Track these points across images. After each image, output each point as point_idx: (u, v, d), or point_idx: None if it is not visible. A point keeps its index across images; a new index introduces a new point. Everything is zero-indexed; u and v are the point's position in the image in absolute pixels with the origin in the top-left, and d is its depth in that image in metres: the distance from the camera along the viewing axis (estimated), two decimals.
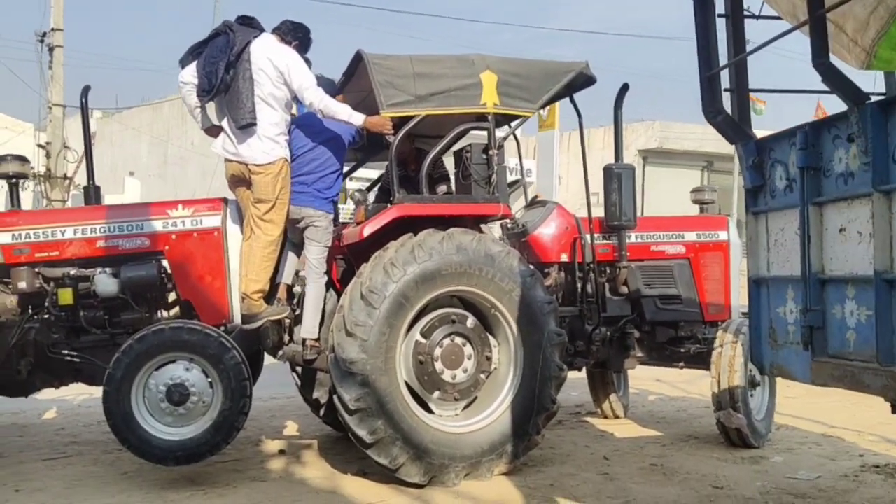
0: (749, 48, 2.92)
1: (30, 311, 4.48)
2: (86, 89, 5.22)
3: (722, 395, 4.77)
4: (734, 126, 2.89)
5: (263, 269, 4.41)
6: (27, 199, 18.13)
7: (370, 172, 6.85)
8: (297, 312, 4.63)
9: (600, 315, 5.13)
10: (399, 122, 4.49)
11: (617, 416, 5.97)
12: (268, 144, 4.33)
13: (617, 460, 4.70)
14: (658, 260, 5.42)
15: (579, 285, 5.16)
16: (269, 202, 4.34)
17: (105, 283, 4.45)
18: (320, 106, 4.29)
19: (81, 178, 12.42)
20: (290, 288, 4.73)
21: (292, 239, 4.72)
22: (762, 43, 2.59)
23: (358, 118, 4.34)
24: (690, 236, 5.53)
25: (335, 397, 4.11)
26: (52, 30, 19.13)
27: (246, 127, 4.26)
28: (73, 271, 4.47)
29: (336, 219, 5.40)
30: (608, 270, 5.31)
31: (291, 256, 4.75)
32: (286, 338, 4.66)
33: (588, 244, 5.14)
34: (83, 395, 6.69)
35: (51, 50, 19.30)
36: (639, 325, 5.30)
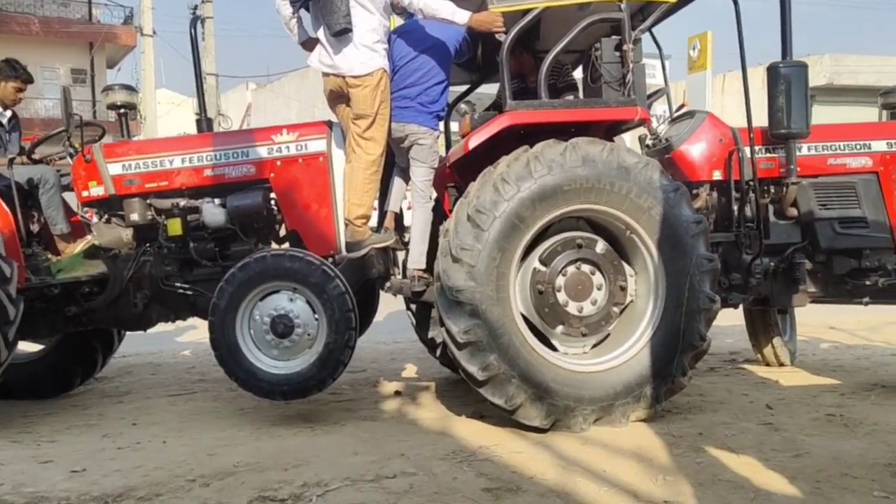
0: None
1: (144, 243, 4.41)
2: (195, 20, 5.08)
3: None
4: None
5: (366, 192, 4.03)
6: None
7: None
8: (406, 241, 4.23)
9: (762, 242, 4.28)
10: (513, 22, 3.89)
11: (781, 364, 5.10)
12: (365, 54, 3.90)
13: (783, 410, 3.93)
14: (837, 175, 4.45)
15: (736, 207, 4.33)
16: (368, 117, 3.93)
17: (212, 213, 4.29)
18: (420, 4, 3.80)
19: None
20: (397, 215, 4.34)
21: (399, 163, 4.31)
22: None
23: (462, 16, 3.81)
24: (879, 146, 4.49)
25: (443, 330, 3.66)
26: (203, 1, 20.05)
27: (341, 34, 3.86)
28: (182, 202, 4.34)
29: (448, 144, 4.94)
30: (772, 189, 4.43)
31: (399, 182, 4.36)
32: (395, 269, 4.28)
33: (747, 158, 4.30)
34: None
35: (202, 21, 20.24)
36: (811, 254, 4.40)
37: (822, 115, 21.43)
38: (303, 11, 4.07)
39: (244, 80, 33.21)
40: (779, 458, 3.12)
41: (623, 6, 3.87)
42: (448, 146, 5.12)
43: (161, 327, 4.76)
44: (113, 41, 26.30)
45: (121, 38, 26.30)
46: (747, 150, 4.29)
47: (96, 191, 4.35)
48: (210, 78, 20.11)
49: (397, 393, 4.66)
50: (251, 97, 33.36)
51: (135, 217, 4.32)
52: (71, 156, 4.49)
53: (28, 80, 4.84)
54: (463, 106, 4.68)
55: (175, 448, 3.59)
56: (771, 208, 4.42)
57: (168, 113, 25.93)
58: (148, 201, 4.34)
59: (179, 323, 4.82)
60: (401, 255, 4.51)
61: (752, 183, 4.29)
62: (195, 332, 7.19)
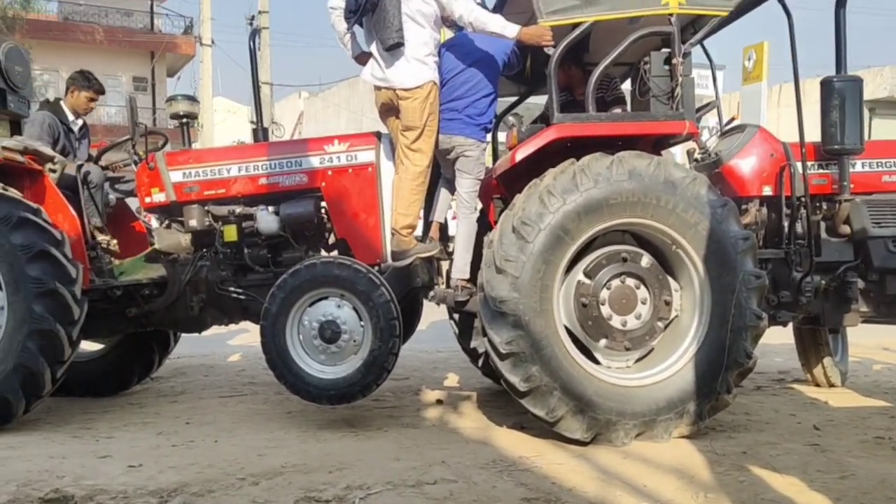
0: None
1: (201, 248, 4.58)
2: (254, 32, 5.26)
3: None
4: None
5: (413, 202, 4.12)
6: None
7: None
8: (451, 252, 4.30)
9: (813, 259, 4.21)
10: (562, 35, 3.93)
11: (832, 385, 4.99)
12: (416, 66, 4.00)
13: (831, 431, 3.85)
14: (891, 193, 4.36)
15: (786, 223, 4.27)
16: (417, 129, 4.02)
17: (266, 220, 4.43)
18: (470, 18, 3.87)
19: None
20: (443, 226, 4.41)
21: (445, 174, 4.39)
22: None
23: (512, 29, 3.86)
24: None
25: (485, 341, 3.71)
26: (259, 12, 20.58)
27: (393, 48, 3.96)
28: (237, 209, 4.49)
29: (495, 156, 4.99)
30: (825, 206, 4.37)
31: (445, 193, 4.43)
32: (439, 279, 4.35)
33: (799, 174, 4.24)
34: None
35: (258, 32, 20.76)
36: (863, 272, 4.31)
37: (882, 128, 20.79)
38: (357, 27, 4.19)
39: (297, 90, 33.88)
40: (823, 480, 3.07)
41: (673, 20, 3.87)
42: (495, 157, 5.18)
43: (214, 330, 4.93)
44: (173, 50, 27.22)
45: (181, 48, 27.21)
46: (799, 165, 4.23)
47: (158, 197, 4.54)
48: (265, 87, 20.58)
49: (439, 401, 4.72)
50: (303, 105, 34.00)
51: (193, 223, 4.49)
52: (135, 163, 4.69)
53: (100, 90, 5.10)
54: (510, 118, 4.73)
55: (226, 447, 3.72)
56: (823, 225, 4.35)
57: (224, 121, 26.64)
58: (206, 208, 4.50)
59: (231, 326, 4.97)
60: (444, 265, 4.57)
61: (803, 199, 4.23)
62: (246, 335, 7.39)
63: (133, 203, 5.26)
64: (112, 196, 4.97)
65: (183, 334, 5.43)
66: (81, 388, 5.03)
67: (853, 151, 4.23)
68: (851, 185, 4.27)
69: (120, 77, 25.54)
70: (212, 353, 6.91)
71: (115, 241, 4.77)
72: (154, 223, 5.14)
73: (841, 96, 4.17)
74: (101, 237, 4.66)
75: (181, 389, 5.37)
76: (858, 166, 4.35)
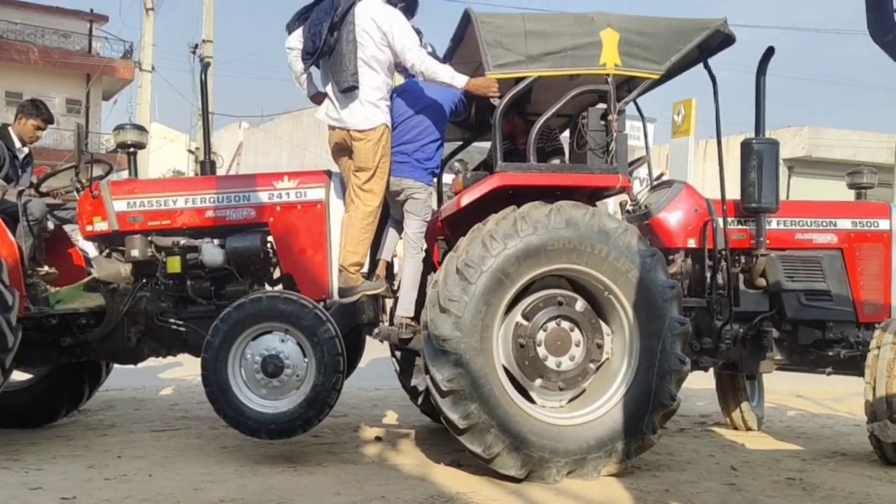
0: None
1: (142, 279, 4.55)
2: (205, 66, 5.33)
3: (877, 403, 4.06)
4: None
5: (361, 241, 4.24)
6: None
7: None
8: (396, 290, 4.42)
9: (732, 309, 4.51)
10: (507, 88, 4.17)
11: (749, 428, 5.29)
12: (369, 109, 4.16)
13: (746, 472, 4.10)
14: (804, 249, 4.73)
15: (708, 274, 4.58)
16: (369, 170, 4.17)
17: (211, 252, 4.45)
18: (421, 67, 4.07)
19: None
20: (389, 265, 4.54)
21: (394, 215, 4.53)
22: None
23: (461, 80, 4.07)
24: (844, 224, 4.79)
25: (427, 378, 3.82)
26: (203, 41, 20.45)
27: (348, 91, 4.11)
28: (182, 240, 4.50)
29: (440, 198, 5.16)
30: (743, 259, 4.70)
31: (392, 233, 4.56)
32: (383, 316, 4.46)
33: (720, 229, 4.56)
34: (199, 376, 6.92)
35: (201, 60, 20.62)
36: (778, 323, 4.64)
37: (800, 186, 22.03)
38: (313, 68, 4.32)
39: (237, 119, 33.61)
40: None
41: (610, 79, 4.15)
42: (440, 200, 5.36)
43: (145, 363, 4.85)
44: (111, 74, 26.69)
45: (119, 72, 26.71)
46: (721, 220, 4.55)
47: (100, 226, 4.51)
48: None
49: (378, 438, 4.78)
50: (243, 136, 33.70)
51: (135, 253, 4.46)
52: (77, 191, 4.65)
53: (49, 120, 5.07)
54: (456, 164, 4.93)
55: (161, 481, 3.68)
56: (741, 277, 4.67)
57: (161, 147, 26.15)
58: (149, 238, 4.49)
59: (161, 360, 4.92)
60: (389, 302, 4.68)
61: (724, 252, 4.52)
62: (179, 369, 7.28)
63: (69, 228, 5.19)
64: (50, 223, 4.90)
65: (114, 366, 5.33)
66: (7, 419, 4.88)
67: (769, 210, 4.57)
68: (767, 241, 4.61)
69: (53, 99, 24.79)
70: (142, 386, 6.76)
71: (52, 270, 4.69)
72: (92, 252, 5.07)
73: (759, 158, 4.52)
74: (38, 269, 4.58)
75: (111, 423, 5.25)
76: (774, 224, 4.69)
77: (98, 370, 5.24)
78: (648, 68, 4.16)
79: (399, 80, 4.67)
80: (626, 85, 4.51)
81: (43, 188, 4.88)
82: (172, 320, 4.51)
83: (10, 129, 4.99)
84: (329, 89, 4.27)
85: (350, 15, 4.09)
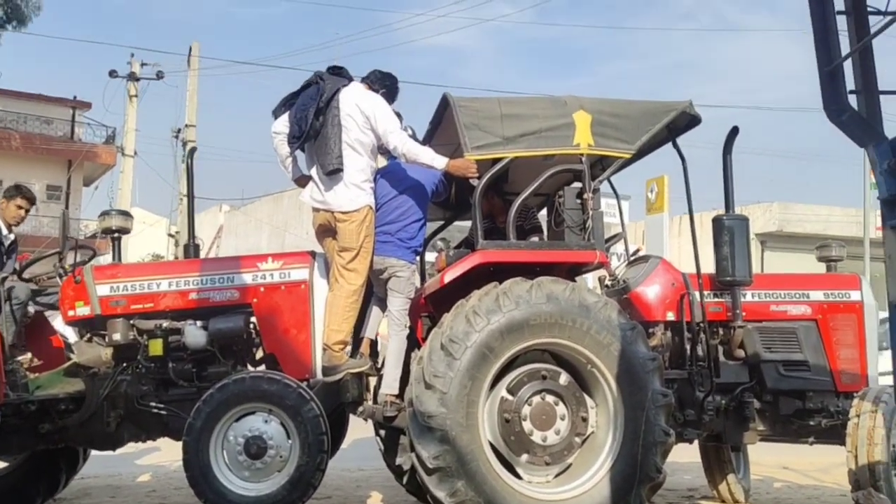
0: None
1: (122, 363, 4.53)
2: (191, 151, 5.47)
3: (860, 471, 4.08)
4: (863, 124, 2.50)
5: (346, 319, 4.28)
6: None
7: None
8: (380, 368, 4.44)
9: (713, 381, 4.56)
10: (485, 168, 4.33)
11: (737, 501, 5.26)
12: (353, 191, 4.28)
13: None
14: (779, 321, 4.82)
15: (688, 347, 4.65)
16: (353, 251, 4.25)
17: (194, 334, 4.46)
18: (403, 150, 4.22)
19: None
20: (373, 343, 4.57)
21: (377, 293, 4.59)
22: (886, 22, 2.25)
23: (441, 161, 4.22)
24: (817, 295, 4.92)
25: (413, 455, 3.80)
26: (186, 126, 20.86)
27: (333, 173, 4.24)
28: (165, 323, 4.51)
29: (423, 276, 5.23)
30: (721, 331, 4.77)
31: (376, 311, 4.61)
32: (367, 395, 4.45)
33: (697, 301, 4.66)
34: (179, 461, 6.79)
35: (184, 144, 21.00)
36: (759, 393, 4.69)
37: (773, 260, 22.48)
38: (298, 151, 4.46)
39: (218, 202, 33.83)
40: None
41: (584, 159, 4.33)
42: (423, 278, 5.44)
43: (121, 449, 4.76)
44: (93, 160, 26.97)
45: (101, 157, 27.00)
46: (697, 294, 4.66)
47: (82, 311, 4.51)
48: (185, 199, 20.52)
49: None
50: (224, 219, 33.85)
51: (117, 336, 4.45)
52: (61, 276, 4.67)
53: (31, 200, 5.15)
54: (439, 242, 5.04)
55: None
56: (720, 349, 4.73)
57: (141, 232, 26.18)
58: (131, 322, 4.50)
59: (138, 445, 4.84)
60: (373, 381, 4.68)
61: (702, 324, 4.61)
62: (156, 454, 7.10)
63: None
64: (31, 309, 4.90)
65: (91, 452, 5.22)
66: None
67: (742, 283, 4.68)
68: (743, 313, 4.71)
69: (34, 185, 24.84)
70: (118, 472, 6.57)
71: (31, 357, 4.66)
72: (72, 337, 5.05)
73: (730, 233, 4.67)
74: (18, 356, 4.55)
75: None
76: (749, 296, 4.80)
77: (75, 457, 5.12)
78: (620, 148, 4.36)
79: (382, 162, 4.83)
80: (600, 164, 4.70)
81: (26, 274, 4.88)
82: (153, 403, 4.47)
83: None
84: (314, 172, 4.40)
85: (335, 100, 4.27)
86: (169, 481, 6.15)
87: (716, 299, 4.78)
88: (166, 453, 6.63)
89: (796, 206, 23.56)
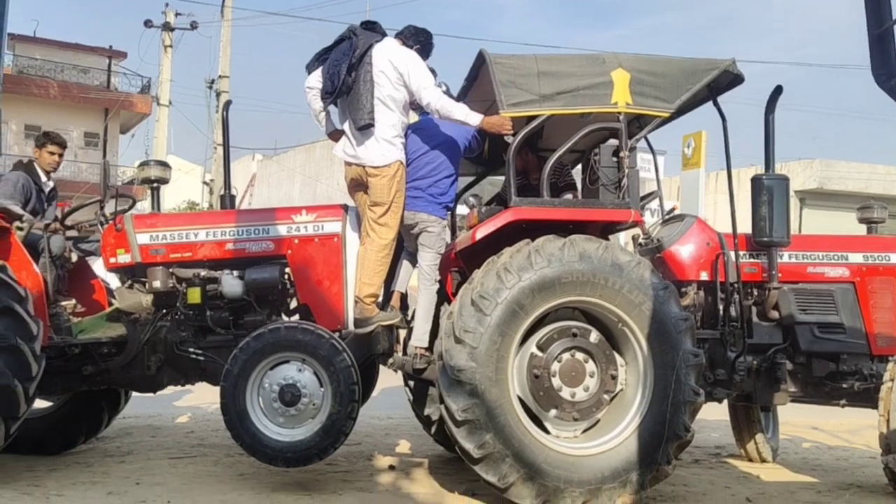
0: None
1: (162, 309, 4.65)
2: (227, 104, 5.49)
3: (892, 435, 4.06)
4: None
5: (377, 273, 4.32)
6: None
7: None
8: (410, 321, 4.50)
9: (745, 341, 4.53)
10: (521, 125, 4.28)
11: (764, 460, 5.29)
12: (384, 146, 4.27)
13: (762, 503, 4.10)
14: (816, 283, 4.76)
15: (721, 307, 4.61)
16: (384, 205, 4.27)
17: (231, 284, 4.55)
18: (437, 106, 4.19)
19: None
20: (403, 296, 4.62)
21: (408, 247, 4.62)
22: None
23: (475, 118, 4.19)
24: (856, 258, 4.83)
25: (442, 408, 3.87)
26: (220, 76, 20.90)
27: (364, 128, 4.23)
28: (202, 272, 4.60)
29: (454, 232, 5.24)
30: (755, 292, 4.73)
31: (406, 265, 4.65)
32: (397, 346, 4.53)
33: (732, 262, 4.61)
34: (216, 404, 7.01)
35: (217, 95, 21.08)
36: (791, 355, 4.65)
37: (812, 218, 22.02)
38: (331, 106, 4.46)
39: (251, 152, 34.04)
40: None
41: (621, 117, 4.26)
42: (453, 233, 5.46)
43: (160, 392, 4.92)
44: (129, 108, 27.22)
45: (136, 106, 27.25)
46: (732, 254, 4.60)
47: (123, 258, 4.62)
48: (219, 148, 20.71)
49: (391, 467, 4.82)
50: (256, 168, 34.09)
51: (157, 284, 4.56)
52: (102, 224, 4.78)
53: (61, 144, 5.25)
54: (471, 198, 5.02)
55: None
56: (754, 310, 4.69)
57: (176, 180, 26.52)
58: (171, 270, 4.60)
59: (176, 388, 5.00)
60: (402, 333, 4.75)
61: (736, 285, 4.56)
62: (193, 396, 7.34)
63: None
64: (74, 256, 5.03)
65: (132, 394, 5.41)
66: (27, 445, 4.93)
67: (780, 244, 4.62)
68: (779, 275, 4.65)
69: (71, 132, 25.31)
70: (158, 413, 6.82)
71: (75, 303, 4.80)
72: (114, 283, 5.19)
73: (769, 193, 4.58)
74: (63, 301, 4.70)
75: (128, 450, 5.31)
76: (786, 257, 4.74)
77: (116, 398, 5.32)
78: (659, 106, 4.26)
79: (414, 117, 4.80)
80: (637, 122, 4.61)
81: (68, 221, 5.01)
82: (192, 349, 4.60)
83: (35, 164, 5.16)
84: (346, 127, 4.40)
85: (367, 56, 4.24)
86: (206, 423, 6.37)
87: (751, 260, 4.72)
88: (203, 396, 6.85)
89: (838, 164, 22.96)
